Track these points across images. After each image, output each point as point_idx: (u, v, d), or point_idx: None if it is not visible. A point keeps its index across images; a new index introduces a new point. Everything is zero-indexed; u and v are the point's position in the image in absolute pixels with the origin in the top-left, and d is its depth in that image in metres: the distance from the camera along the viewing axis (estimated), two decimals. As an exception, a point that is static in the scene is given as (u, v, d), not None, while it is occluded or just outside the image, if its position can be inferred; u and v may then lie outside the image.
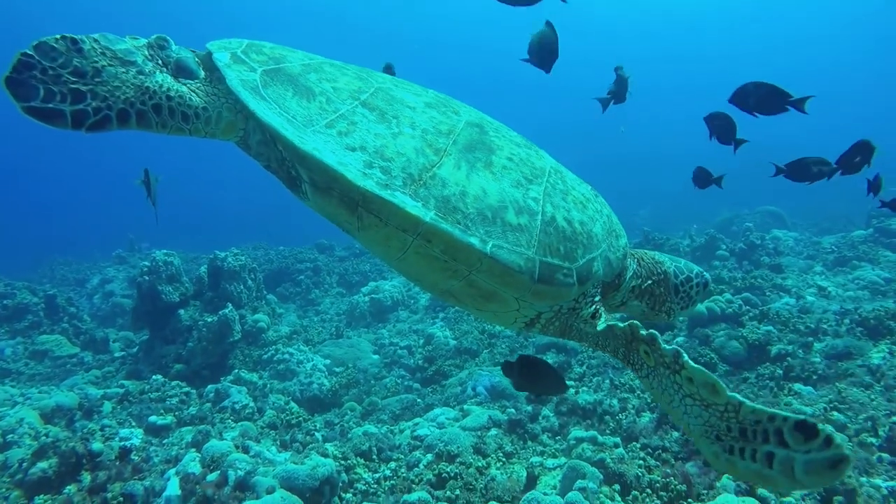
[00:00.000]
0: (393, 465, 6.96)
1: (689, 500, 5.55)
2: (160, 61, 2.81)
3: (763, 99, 6.47)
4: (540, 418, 7.69)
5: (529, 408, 7.95)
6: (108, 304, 17.22)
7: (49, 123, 2.46)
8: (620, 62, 8.37)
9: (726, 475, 5.67)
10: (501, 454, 6.96)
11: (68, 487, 6.03)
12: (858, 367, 8.03)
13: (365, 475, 6.69)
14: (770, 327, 9.32)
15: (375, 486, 6.48)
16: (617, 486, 5.87)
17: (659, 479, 5.86)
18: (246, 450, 6.73)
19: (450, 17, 74.68)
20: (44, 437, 6.88)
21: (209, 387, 9.32)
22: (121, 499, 5.77)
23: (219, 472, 5.91)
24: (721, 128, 7.35)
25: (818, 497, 5.32)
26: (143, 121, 2.67)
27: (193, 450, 6.99)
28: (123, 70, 2.64)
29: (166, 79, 2.77)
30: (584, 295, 2.99)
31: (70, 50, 2.51)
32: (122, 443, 7.17)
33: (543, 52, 6.01)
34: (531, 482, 6.21)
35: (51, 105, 2.44)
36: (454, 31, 75.29)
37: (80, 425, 8.01)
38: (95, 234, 36.69)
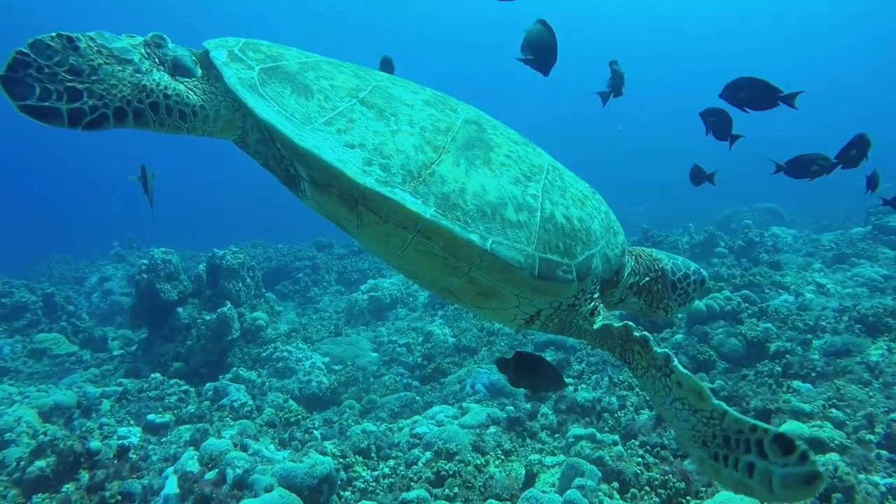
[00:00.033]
0: (392, 463, 6.96)
1: (688, 497, 5.55)
2: (157, 59, 2.80)
3: (753, 94, 6.47)
4: (539, 416, 7.69)
5: (528, 405, 7.95)
6: (107, 302, 17.21)
7: (45, 122, 2.44)
8: (617, 58, 8.37)
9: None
10: (500, 452, 6.96)
11: (66, 486, 6.03)
12: (857, 365, 8.03)
13: (364, 473, 6.69)
14: (769, 324, 9.32)
15: (374, 484, 6.48)
16: (616, 484, 5.88)
17: (658, 476, 5.87)
18: (244, 448, 6.73)
19: (446, 15, 74.67)
20: (42, 436, 6.88)
21: (208, 385, 9.31)
22: (119, 497, 5.77)
23: (217, 470, 5.91)
24: (717, 123, 7.34)
25: (817, 495, 5.30)
26: (140, 119, 2.65)
27: (192, 448, 6.99)
28: (120, 68, 2.62)
29: (163, 77, 2.75)
30: (583, 291, 2.99)
31: (66, 48, 2.49)
32: (121, 441, 7.17)
33: (541, 54, 5.92)
34: (530, 480, 6.21)
35: (47, 103, 2.42)
36: (450, 28, 75.28)
37: (78, 424, 8.01)
38: (94, 233, 36.64)
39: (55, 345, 12.35)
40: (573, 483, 5.63)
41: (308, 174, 2.66)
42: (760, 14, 71.03)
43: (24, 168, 78.72)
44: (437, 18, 75.18)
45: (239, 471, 5.84)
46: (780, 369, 8.16)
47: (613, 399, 7.85)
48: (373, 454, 7.10)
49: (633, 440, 6.86)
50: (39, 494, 5.92)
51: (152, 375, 9.52)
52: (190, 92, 2.78)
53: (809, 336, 9.09)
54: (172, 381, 9.39)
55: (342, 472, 6.47)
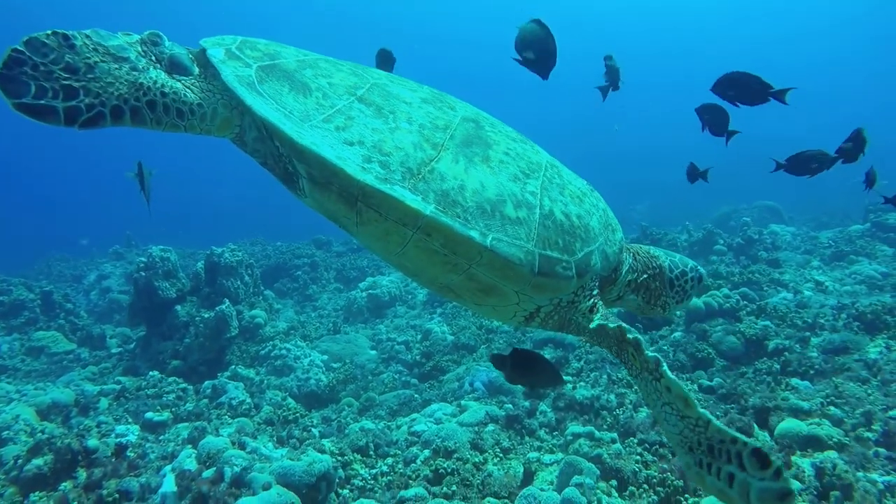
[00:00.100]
0: (390, 460, 6.95)
1: (686, 495, 5.55)
2: (154, 58, 2.78)
3: (745, 89, 6.45)
4: (537, 414, 7.69)
5: (527, 403, 7.95)
6: (105, 300, 17.21)
7: (41, 120, 2.42)
8: (611, 53, 8.35)
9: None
10: (498, 450, 6.96)
11: (64, 484, 6.02)
12: (855, 362, 8.04)
13: (362, 471, 6.68)
14: (767, 322, 9.32)
15: (372, 482, 6.47)
16: (614, 482, 5.88)
17: (656, 474, 5.87)
18: (242, 446, 6.72)
19: (444, 14, 74.57)
20: (39, 434, 6.87)
21: (206, 383, 9.31)
22: (116, 496, 5.76)
23: (215, 468, 5.91)
24: (713, 119, 7.31)
25: (816, 492, 5.32)
26: (137, 117, 2.63)
27: (190, 446, 6.99)
28: (116, 66, 2.61)
29: (160, 75, 2.73)
30: (582, 288, 3.00)
31: (62, 46, 2.47)
32: (118, 439, 7.17)
33: (541, 57, 5.83)
34: (528, 478, 6.21)
35: (42, 101, 2.40)
36: (447, 26, 75.10)
37: (76, 422, 8.01)
38: (92, 231, 36.61)
39: (53, 343, 12.34)
40: (571, 481, 5.62)
41: (307, 172, 2.65)
42: (760, 13, 71.04)
43: (22, 167, 78.65)
44: (435, 17, 75.11)
45: (237, 469, 5.84)
46: (778, 367, 8.16)
47: (612, 397, 7.85)
48: (371, 452, 7.10)
49: (631, 438, 6.85)
50: (37, 493, 5.92)
51: (150, 373, 9.52)
52: (187, 90, 2.77)
53: (808, 334, 9.09)
54: (171, 379, 9.39)
55: (340, 470, 6.47)
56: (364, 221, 2.66)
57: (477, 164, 2.73)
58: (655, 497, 5.60)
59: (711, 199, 27.42)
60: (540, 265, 2.72)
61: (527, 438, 7.36)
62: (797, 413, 6.68)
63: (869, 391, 7.20)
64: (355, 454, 6.96)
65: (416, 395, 9.23)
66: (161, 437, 7.73)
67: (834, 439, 6.07)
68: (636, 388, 8.01)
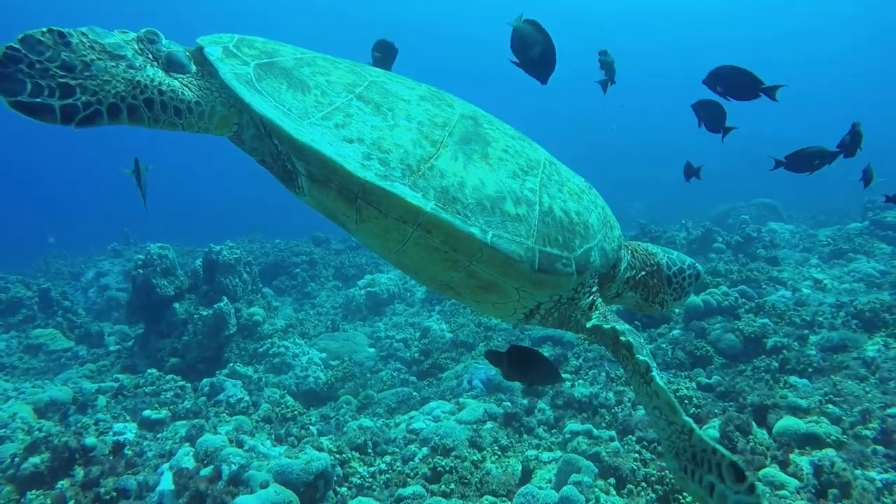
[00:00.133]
0: (388, 458, 6.95)
1: (684, 493, 5.54)
2: (150, 55, 2.77)
3: (736, 84, 6.44)
4: (536, 411, 7.68)
5: (525, 401, 7.95)
6: (104, 297, 17.18)
7: (37, 118, 2.40)
8: (611, 52, 8.33)
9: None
10: (497, 448, 6.95)
11: (61, 482, 6.01)
12: (853, 360, 8.05)
13: (360, 469, 6.67)
14: (766, 320, 9.33)
15: (370, 479, 6.46)
16: (612, 480, 5.88)
17: (654, 472, 5.87)
18: (240, 444, 6.72)
19: (439, 11, 74.39)
20: (37, 432, 6.85)
21: (204, 381, 9.29)
22: (114, 494, 5.74)
23: (212, 466, 5.90)
24: (709, 116, 7.28)
25: (814, 490, 5.32)
26: (134, 115, 2.62)
27: (187, 444, 6.99)
28: (113, 64, 2.59)
29: (157, 73, 2.72)
30: (582, 285, 3.01)
31: (57, 43, 2.45)
32: (116, 437, 7.16)
33: (540, 62, 5.72)
34: (526, 476, 6.20)
35: (38, 100, 2.39)
36: (443, 24, 74.91)
37: (73, 420, 7.99)
38: (90, 228, 36.59)
39: (51, 340, 12.32)
40: (570, 479, 5.62)
41: (306, 169, 2.65)
42: (759, 11, 70.95)
43: (20, 165, 78.57)
44: (434, 15, 74.91)
45: (234, 467, 5.83)
46: (777, 365, 8.17)
47: (610, 394, 7.85)
48: (369, 450, 7.09)
49: (629, 436, 6.86)
50: (34, 491, 5.89)
51: (148, 371, 9.51)
52: (185, 88, 2.76)
53: (806, 331, 9.11)
54: (169, 377, 9.37)
55: (338, 468, 6.46)
56: (364, 219, 2.66)
57: (476, 161, 2.73)
58: (654, 495, 5.60)
59: (710, 196, 27.47)
60: (540, 262, 2.72)
61: (525, 436, 7.36)
62: (795, 411, 6.68)
63: (867, 389, 7.20)
64: (353, 452, 6.95)
65: (414, 393, 9.23)
66: (159, 435, 7.73)
67: (832, 437, 6.08)
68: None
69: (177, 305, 11.07)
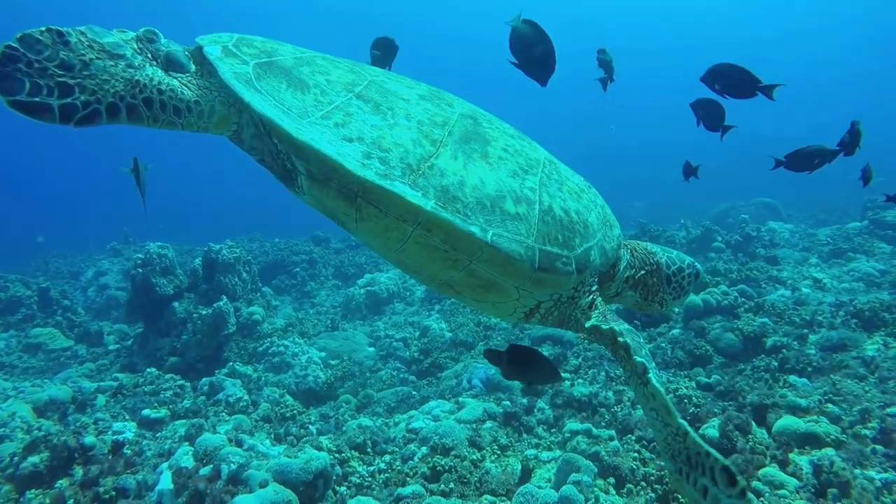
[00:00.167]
0: (387, 458, 6.94)
1: (683, 493, 5.54)
2: (149, 55, 2.76)
3: (733, 81, 6.43)
4: (535, 410, 7.68)
5: (525, 400, 7.95)
6: (103, 296, 17.17)
7: (35, 118, 2.40)
8: (610, 51, 8.31)
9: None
10: (496, 447, 6.95)
11: (60, 482, 6.01)
12: (853, 359, 8.05)
13: (359, 468, 6.67)
14: (765, 319, 9.33)
15: (370, 479, 6.46)
16: (612, 479, 5.88)
17: (653, 472, 5.86)
18: (239, 443, 6.71)
19: (438, 10, 74.30)
20: (36, 431, 6.86)
21: (203, 380, 9.28)
22: (113, 493, 5.74)
23: (211, 465, 5.89)
24: (707, 114, 7.25)
25: (813, 490, 5.32)
26: (133, 115, 2.62)
27: (186, 443, 6.98)
28: (112, 63, 2.59)
29: (157, 72, 2.72)
30: (582, 284, 3.02)
31: (56, 43, 2.45)
32: (115, 436, 7.16)
33: (539, 64, 5.66)
34: (526, 475, 6.19)
35: (37, 99, 2.38)
36: (442, 23, 74.82)
37: (73, 419, 7.99)
38: (90, 227, 36.58)
39: (50, 339, 12.32)
40: (569, 478, 5.62)
41: (306, 168, 2.65)
42: (759, 11, 70.94)
43: (20, 164, 78.54)
44: (433, 14, 74.85)
45: (233, 466, 5.82)
46: (776, 364, 8.17)
47: (610, 394, 7.84)
48: (369, 449, 7.09)
49: (629, 435, 6.86)
50: (33, 490, 5.89)
51: (148, 370, 9.50)
52: (184, 87, 2.76)
53: (806, 331, 9.11)
54: (168, 376, 9.37)
55: (338, 468, 6.45)
56: (364, 218, 2.65)
57: (476, 160, 2.74)
58: (653, 494, 5.59)
59: (710, 196, 27.47)
60: (540, 261, 2.73)
61: (524, 435, 7.35)
62: (795, 410, 6.68)
63: (866, 388, 7.20)
64: (353, 451, 6.95)
65: (414, 392, 9.22)
66: (158, 435, 7.72)
67: (831, 437, 6.07)
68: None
69: (176, 304, 11.06)
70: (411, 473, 6.40)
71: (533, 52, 5.55)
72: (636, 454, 6.31)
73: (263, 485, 5.43)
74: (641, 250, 3.55)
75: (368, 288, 14.81)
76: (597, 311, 3.05)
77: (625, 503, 5.59)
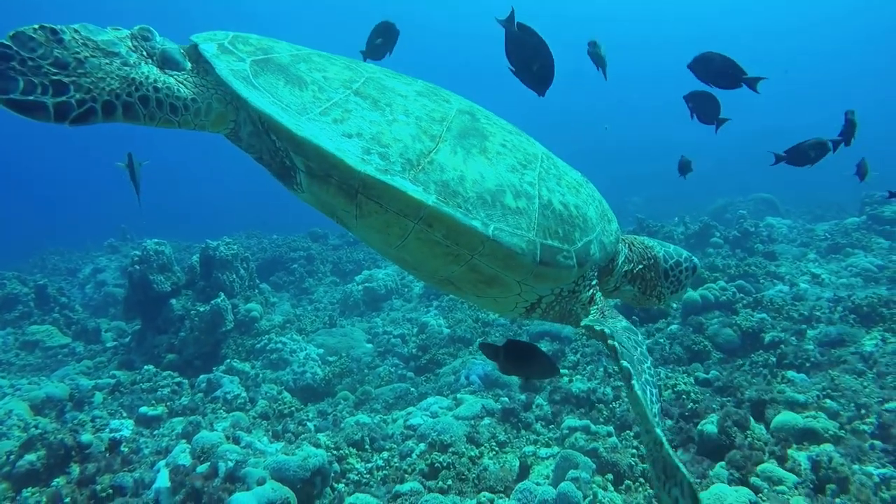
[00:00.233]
0: (385, 454, 6.95)
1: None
2: (145, 53, 2.74)
3: (719, 71, 6.40)
4: (533, 407, 7.68)
5: (523, 396, 7.94)
6: (101, 293, 17.14)
7: (30, 116, 2.37)
8: (604, 45, 8.23)
9: (719, 464, 5.68)
10: (494, 443, 6.95)
11: (57, 480, 6.00)
12: (851, 355, 8.06)
13: (357, 465, 6.67)
14: (764, 315, 9.33)
15: (368, 476, 6.46)
16: (610, 476, 5.88)
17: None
18: (237, 440, 6.71)
19: (431, 7, 74.25)
20: (33, 429, 6.85)
21: (201, 377, 9.28)
22: (110, 491, 5.74)
23: (209, 463, 5.89)
24: (701, 107, 7.17)
25: (812, 485, 5.31)
26: (129, 113, 2.59)
27: (184, 441, 6.97)
28: (107, 61, 2.56)
29: (152, 70, 2.69)
30: (582, 278, 3.03)
31: (50, 40, 2.42)
32: (113, 434, 7.16)
33: (537, 73, 5.41)
34: (524, 472, 6.20)
35: (31, 97, 2.35)
36: (435, 18, 74.74)
37: (70, 416, 7.99)
38: (87, 224, 36.53)
39: (47, 337, 12.31)
40: (567, 475, 5.62)
41: (305, 165, 2.63)
42: (759, 5, 71.00)
43: (17, 161, 78.38)
44: (425, 10, 74.74)
45: (231, 464, 5.82)
46: (774, 359, 8.18)
47: (608, 390, 7.84)
48: (367, 446, 7.09)
49: (627, 431, 6.86)
50: (29, 488, 5.88)
51: (145, 367, 9.50)
52: (181, 85, 2.73)
53: (804, 326, 9.11)
54: (166, 373, 9.37)
55: (336, 465, 6.45)
56: (364, 214, 2.65)
57: (475, 155, 2.73)
58: (651, 491, 5.59)
59: (708, 191, 27.46)
60: (542, 255, 2.73)
61: (523, 432, 7.35)
62: (793, 406, 6.68)
63: (865, 384, 7.20)
64: (351, 448, 6.94)
65: (412, 389, 9.22)
66: (156, 432, 7.72)
67: (830, 432, 6.07)
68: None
69: (174, 301, 11.05)
70: (409, 470, 6.39)
71: (530, 63, 5.41)
72: (634, 450, 6.31)
73: (261, 482, 5.42)
74: (639, 245, 3.57)
75: (366, 284, 14.81)
76: (595, 307, 3.06)
77: (623, 500, 5.58)
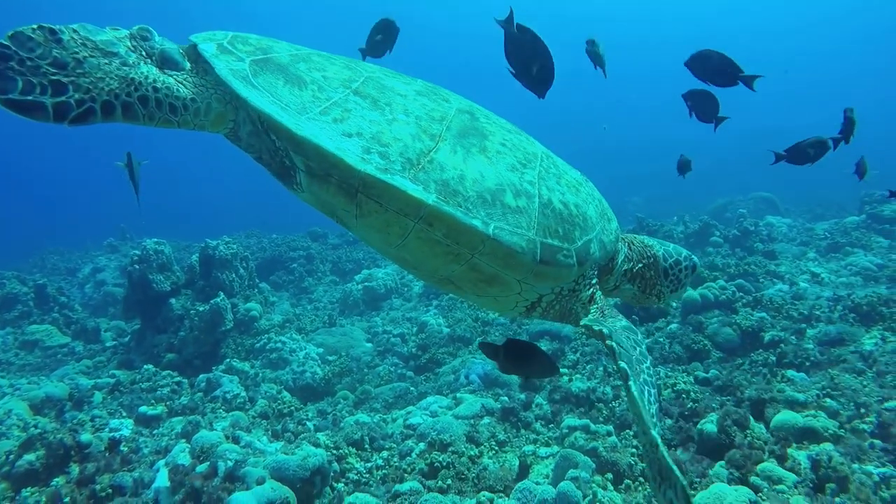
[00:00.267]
0: (385, 454, 6.95)
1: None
2: (144, 53, 2.73)
3: (715, 69, 6.39)
4: (533, 406, 7.68)
5: (522, 396, 7.94)
6: (100, 293, 17.14)
7: (28, 116, 2.36)
8: (603, 43, 8.20)
9: (719, 463, 5.67)
10: (494, 443, 6.95)
11: (56, 479, 6.00)
12: (851, 354, 8.06)
13: (357, 465, 6.67)
14: (763, 314, 9.34)
15: (367, 475, 6.47)
16: (610, 475, 5.88)
17: (652, 467, 5.85)
18: (236, 440, 6.70)
19: (429, 6, 74.18)
20: (32, 429, 6.84)
21: (201, 376, 9.28)
22: (109, 490, 5.73)
23: (208, 463, 5.88)
24: (700, 106, 7.15)
25: (811, 485, 5.31)
26: (129, 113, 2.59)
27: (183, 440, 6.96)
28: (106, 61, 2.56)
29: (151, 70, 2.69)
30: (583, 277, 3.04)
31: (48, 40, 2.42)
32: (112, 434, 7.15)
33: (537, 76, 5.33)
34: (524, 471, 6.20)
35: (30, 97, 2.35)
36: (434, 17, 74.67)
37: (69, 416, 7.98)
38: (87, 224, 36.52)
39: (47, 336, 12.31)
40: (567, 474, 5.62)
41: (305, 164, 2.63)
42: (758, 5, 70.97)
43: (17, 161, 78.36)
44: (424, 10, 74.69)
45: (230, 463, 5.81)
46: (774, 359, 8.18)
47: (608, 389, 7.84)
48: (366, 445, 7.09)
49: (627, 430, 6.86)
50: (29, 488, 5.88)
51: (145, 367, 9.50)
52: (180, 85, 2.73)
53: (804, 325, 9.11)
54: (165, 373, 9.36)
55: (335, 464, 6.45)
56: (364, 213, 2.64)
57: (475, 154, 2.74)
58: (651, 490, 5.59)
59: (708, 191, 27.46)
60: (542, 253, 2.73)
61: (522, 431, 7.35)
62: (793, 405, 6.68)
63: (864, 382, 7.20)
64: (350, 448, 6.94)
65: (411, 388, 9.22)
66: (155, 432, 7.72)
67: (830, 431, 6.07)
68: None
69: (173, 301, 11.05)
70: (409, 470, 6.39)
71: (530, 65, 5.37)
72: (634, 450, 6.31)
73: (260, 482, 5.42)
74: (638, 244, 3.57)
75: (366, 284, 14.81)
76: (595, 306, 3.07)
77: (623, 499, 5.58)
